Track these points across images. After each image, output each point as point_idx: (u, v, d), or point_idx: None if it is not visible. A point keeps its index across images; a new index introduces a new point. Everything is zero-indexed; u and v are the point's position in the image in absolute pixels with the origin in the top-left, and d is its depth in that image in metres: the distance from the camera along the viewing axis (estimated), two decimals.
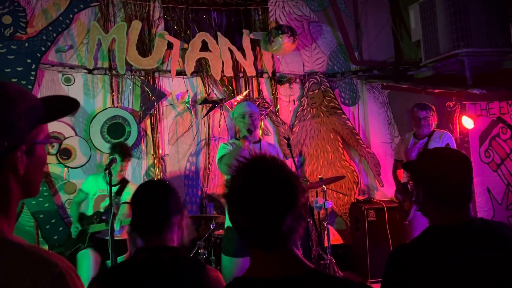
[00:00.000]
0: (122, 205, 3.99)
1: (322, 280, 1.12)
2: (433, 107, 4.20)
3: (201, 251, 4.18)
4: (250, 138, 3.42)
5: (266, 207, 1.10)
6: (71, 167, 4.87)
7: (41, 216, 4.64)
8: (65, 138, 4.72)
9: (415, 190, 1.67)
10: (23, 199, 1.04)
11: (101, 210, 4.06)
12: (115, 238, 3.76)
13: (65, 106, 1.06)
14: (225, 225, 3.52)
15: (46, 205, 4.66)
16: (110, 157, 3.66)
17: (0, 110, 0.92)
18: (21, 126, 0.95)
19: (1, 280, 0.84)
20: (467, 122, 4.63)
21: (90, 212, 4.15)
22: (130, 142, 4.98)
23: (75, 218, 4.14)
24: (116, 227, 3.74)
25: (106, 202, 4.06)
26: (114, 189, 4.08)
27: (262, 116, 5.48)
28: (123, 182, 4.17)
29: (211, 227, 4.35)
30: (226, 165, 3.28)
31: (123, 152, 4.04)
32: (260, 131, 5.48)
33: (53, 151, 4.51)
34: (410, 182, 3.88)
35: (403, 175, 4.31)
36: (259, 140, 3.59)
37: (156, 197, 1.80)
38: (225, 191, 1.18)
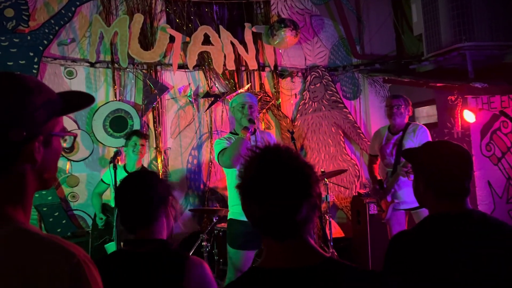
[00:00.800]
0: None
1: (338, 269, 1.12)
2: (409, 100, 4.09)
3: (204, 243, 4.21)
4: (252, 128, 3.38)
5: (281, 196, 1.09)
6: (73, 161, 4.89)
7: (45, 209, 4.66)
8: (71, 146, 4.74)
9: (414, 181, 1.69)
10: (38, 191, 1.05)
11: None
12: None
13: (81, 100, 1.08)
14: (228, 217, 3.51)
15: (49, 198, 4.69)
16: (115, 150, 3.67)
17: (19, 101, 0.94)
18: (39, 117, 0.96)
19: (21, 268, 0.85)
20: (469, 116, 4.64)
21: (112, 203, 4.17)
22: None
23: (98, 209, 4.21)
24: None
25: None
26: None
27: (264, 110, 5.50)
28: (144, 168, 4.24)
29: (214, 220, 4.37)
30: (230, 157, 3.21)
31: (140, 132, 4.12)
32: (263, 123, 5.50)
33: (66, 145, 4.52)
34: (409, 168, 3.83)
35: (378, 171, 4.23)
36: (254, 131, 3.58)
37: (138, 192, 1.73)
38: (238, 182, 1.17)
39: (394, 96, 4.13)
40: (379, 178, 4.16)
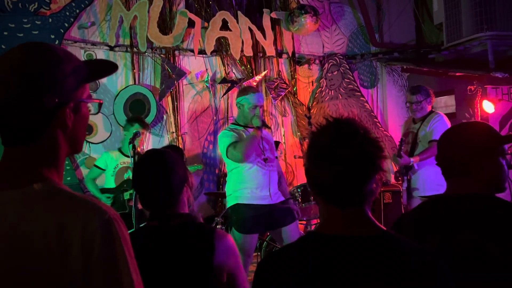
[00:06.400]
0: None
1: (395, 242, 1.15)
2: (429, 90, 4.10)
3: (218, 227, 4.27)
4: (261, 129, 3.46)
5: (358, 166, 1.12)
6: (92, 143, 4.97)
7: None
8: (97, 113, 4.80)
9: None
10: (69, 155, 1.11)
11: (128, 178, 4.20)
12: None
13: (105, 67, 1.12)
14: (233, 203, 3.51)
15: (68, 178, 4.78)
16: (134, 131, 3.73)
17: (50, 69, 0.98)
18: (69, 84, 1.01)
19: (57, 222, 0.91)
20: (488, 107, 4.59)
21: (111, 186, 4.29)
22: (149, 119, 5.05)
23: (98, 192, 4.27)
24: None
25: (129, 173, 4.24)
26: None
27: (280, 97, 5.50)
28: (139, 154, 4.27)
29: None
30: (243, 152, 3.32)
31: (143, 121, 4.17)
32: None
33: (93, 111, 4.63)
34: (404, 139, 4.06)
35: None
36: None
37: (161, 176, 1.70)
38: (311, 147, 1.18)
39: (413, 92, 4.13)
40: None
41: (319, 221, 3.88)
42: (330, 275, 1.10)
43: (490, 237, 1.41)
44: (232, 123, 3.70)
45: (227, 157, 3.45)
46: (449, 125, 4.04)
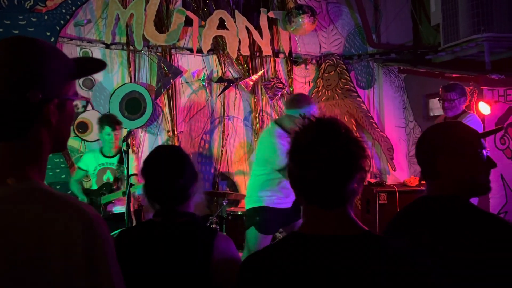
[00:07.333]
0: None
1: (377, 242, 1.15)
2: (465, 89, 4.02)
3: (213, 226, 4.26)
4: None
5: (339, 165, 1.12)
6: (87, 141, 4.95)
7: (58, 187, 4.73)
8: (83, 111, 4.77)
9: None
10: (52, 153, 1.08)
11: (107, 181, 4.14)
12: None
13: (93, 64, 1.10)
14: (262, 204, 3.49)
15: (63, 176, 4.76)
16: (128, 129, 3.71)
17: (36, 64, 0.96)
18: (55, 80, 0.99)
19: (38, 223, 0.89)
20: (484, 108, 4.59)
21: (94, 187, 4.20)
22: (145, 118, 5.03)
23: (80, 193, 4.17)
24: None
25: (108, 175, 4.15)
26: (115, 160, 4.15)
27: (276, 97, 5.49)
28: (120, 152, 4.17)
29: (224, 203, 4.42)
30: None
31: (112, 121, 4.06)
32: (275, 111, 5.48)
33: (79, 110, 4.56)
34: None
35: None
36: None
37: (173, 169, 1.73)
38: (293, 147, 1.18)
39: (447, 89, 4.01)
40: None
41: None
42: (314, 275, 1.10)
43: (440, 239, 1.42)
44: (279, 125, 3.49)
45: (278, 169, 3.32)
46: (481, 125, 3.99)
